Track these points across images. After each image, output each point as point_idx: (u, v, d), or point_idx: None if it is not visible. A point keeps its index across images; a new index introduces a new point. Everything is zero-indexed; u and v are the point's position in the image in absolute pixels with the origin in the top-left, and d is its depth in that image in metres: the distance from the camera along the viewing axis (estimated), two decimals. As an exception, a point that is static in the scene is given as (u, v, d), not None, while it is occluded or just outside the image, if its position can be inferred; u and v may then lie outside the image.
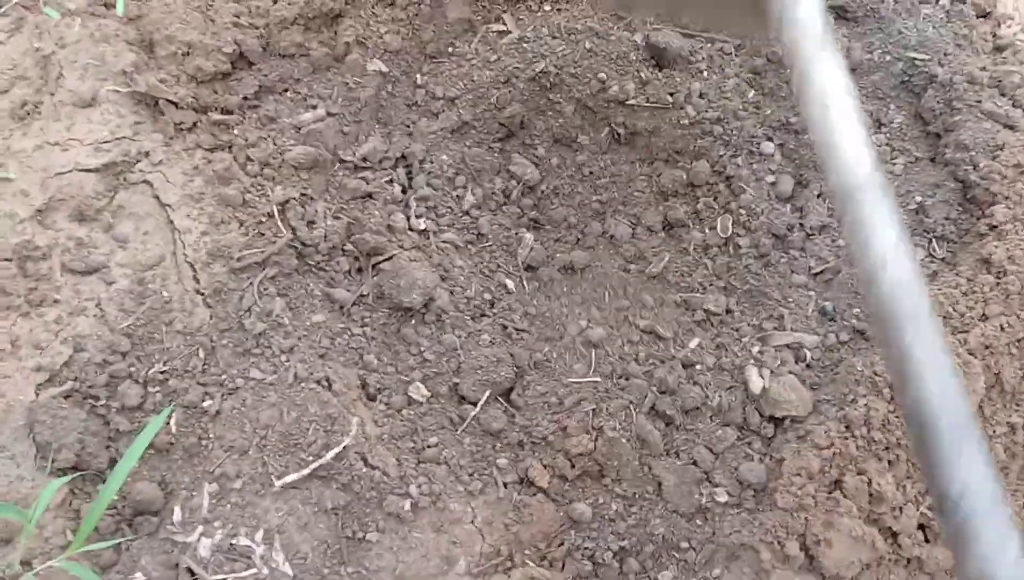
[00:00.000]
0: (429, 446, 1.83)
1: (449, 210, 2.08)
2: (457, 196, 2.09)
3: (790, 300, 2.09)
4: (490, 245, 2.07)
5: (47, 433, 1.68)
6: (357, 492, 1.75)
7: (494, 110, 2.15)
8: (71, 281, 1.81)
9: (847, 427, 1.87)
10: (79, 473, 1.69)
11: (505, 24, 2.18)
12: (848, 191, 1.24)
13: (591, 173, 2.20)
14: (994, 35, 2.39)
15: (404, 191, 2.07)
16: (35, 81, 1.94)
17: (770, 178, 2.20)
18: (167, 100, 1.94)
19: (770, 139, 2.23)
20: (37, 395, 1.72)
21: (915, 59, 2.23)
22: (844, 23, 2.31)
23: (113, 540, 1.65)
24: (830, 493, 1.84)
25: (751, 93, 2.27)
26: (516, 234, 2.10)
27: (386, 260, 1.94)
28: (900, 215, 1.22)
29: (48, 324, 1.77)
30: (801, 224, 2.16)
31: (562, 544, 1.81)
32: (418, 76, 2.14)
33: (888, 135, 2.22)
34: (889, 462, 1.86)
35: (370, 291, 1.94)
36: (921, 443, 1.13)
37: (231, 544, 1.71)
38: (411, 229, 2.01)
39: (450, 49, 2.16)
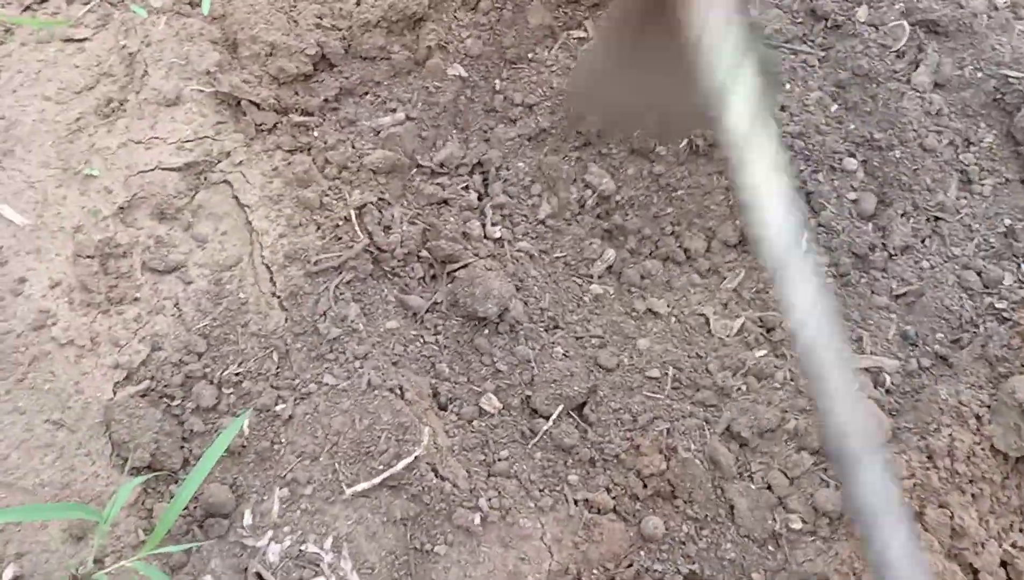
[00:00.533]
0: (500, 459, 1.82)
1: (524, 218, 2.06)
2: (532, 205, 2.07)
3: (870, 322, 2.04)
4: (564, 256, 2.05)
5: (123, 432, 1.69)
6: (427, 503, 1.73)
7: (572, 118, 2.12)
8: (151, 280, 1.82)
9: (929, 458, 1.81)
10: (153, 473, 1.70)
11: (586, 31, 2.15)
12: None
13: (668, 185, 2.16)
14: None
15: (480, 198, 2.05)
16: (120, 79, 1.95)
17: (852, 195, 2.15)
18: (249, 101, 1.94)
19: (853, 155, 2.17)
20: (115, 393, 1.74)
21: (1008, 76, 2.16)
22: (935, 37, 2.24)
23: (185, 544, 1.66)
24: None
25: (834, 107, 2.22)
26: (590, 244, 2.07)
27: (461, 268, 1.93)
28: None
29: (127, 322, 1.78)
30: (884, 244, 2.10)
31: (631, 565, 1.78)
32: (497, 82, 2.12)
33: (977, 155, 2.15)
34: (973, 495, 1.80)
35: (444, 299, 1.93)
36: None
37: (300, 551, 1.70)
38: (487, 237, 1.99)
39: (530, 55, 2.13)
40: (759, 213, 1.27)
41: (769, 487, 1.83)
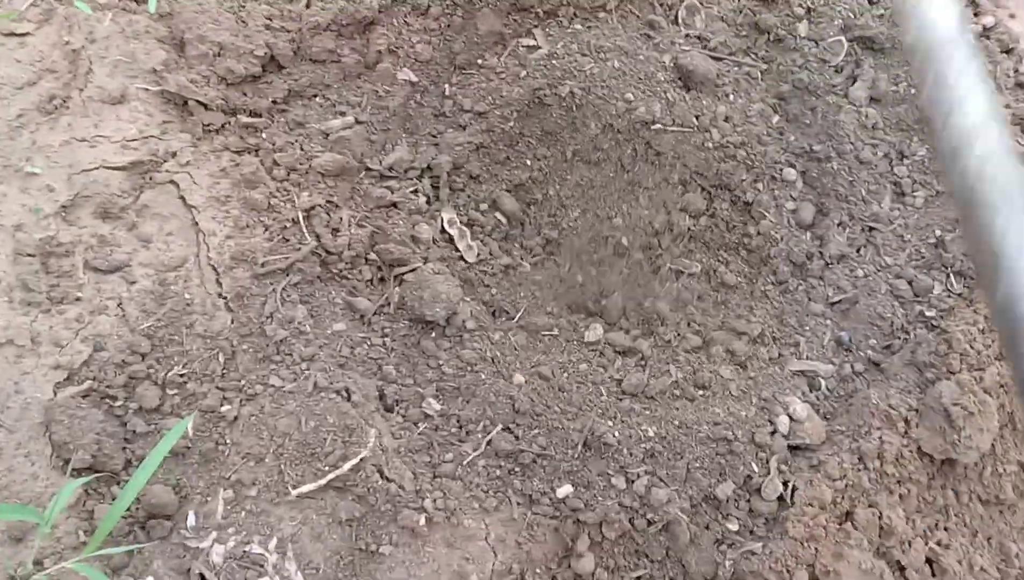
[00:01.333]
0: (445, 461, 1.83)
1: (473, 224, 2.08)
2: (481, 210, 2.09)
3: (806, 328, 2.10)
4: (511, 263, 2.07)
5: (64, 433, 1.67)
6: (372, 504, 1.75)
7: (520, 125, 2.15)
8: (93, 279, 1.80)
9: (860, 459, 1.88)
10: (95, 474, 1.68)
11: (535, 39, 2.18)
12: (931, 48, 1.11)
13: (613, 192, 2.20)
14: (1016, 71, 2.40)
15: (429, 202, 2.06)
16: (63, 75, 1.93)
17: (791, 205, 2.21)
18: (196, 100, 1.93)
19: (793, 166, 2.23)
20: (55, 393, 1.72)
21: (940, 94, 2.24)
22: (871, 53, 2.31)
23: (127, 546, 1.65)
24: (841, 524, 1.85)
25: (775, 119, 2.28)
26: (534, 253, 2.10)
27: (409, 271, 1.94)
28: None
29: (69, 322, 1.76)
30: (821, 252, 2.16)
31: (570, 566, 1.81)
32: (447, 87, 2.14)
33: (910, 167, 2.22)
34: (900, 496, 1.87)
35: (392, 302, 1.94)
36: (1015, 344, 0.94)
37: (244, 551, 1.70)
38: (435, 242, 2.01)
39: (480, 61, 2.16)
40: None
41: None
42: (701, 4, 2.33)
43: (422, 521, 1.75)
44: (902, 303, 2.08)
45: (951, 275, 2.10)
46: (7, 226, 1.78)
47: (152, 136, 1.91)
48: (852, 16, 2.35)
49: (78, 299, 1.78)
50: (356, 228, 1.95)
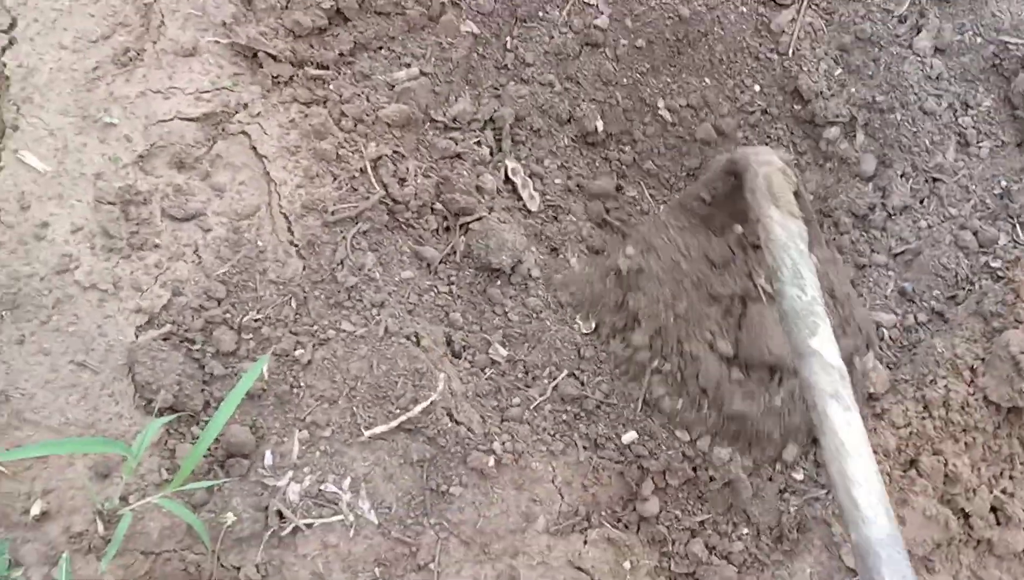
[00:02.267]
0: (512, 405, 1.87)
1: (533, 175, 2.10)
2: (542, 162, 2.11)
3: (869, 279, 2.10)
4: (569, 215, 2.10)
5: (146, 374, 1.72)
6: (442, 446, 1.79)
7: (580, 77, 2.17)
8: (170, 226, 1.85)
9: (925, 407, 1.88)
10: (175, 414, 1.73)
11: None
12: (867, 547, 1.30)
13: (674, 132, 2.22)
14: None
15: (492, 153, 2.09)
16: (136, 28, 1.97)
17: (852, 156, 2.20)
18: (266, 53, 1.96)
19: (855, 118, 2.22)
20: (137, 336, 1.77)
21: (1007, 42, 2.21)
22: (936, 2, 2.28)
23: (209, 481, 1.70)
24: (905, 471, 1.86)
25: (838, 71, 2.26)
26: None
27: (475, 220, 1.97)
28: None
29: (148, 267, 1.81)
30: (883, 204, 2.16)
31: (635, 509, 1.85)
32: (508, 39, 2.15)
33: (975, 118, 2.20)
34: (966, 444, 1.87)
35: (458, 250, 1.97)
36: None
37: (319, 490, 1.75)
38: (498, 192, 2.04)
39: (541, 14, 2.17)
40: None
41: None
42: (762, -44, 2.32)
43: (491, 463, 1.79)
44: (967, 254, 2.07)
45: (1017, 226, 2.09)
46: (88, 175, 1.83)
47: (224, 88, 1.94)
48: (916, -35, 2.32)
49: (156, 246, 1.83)
50: (422, 178, 1.98)
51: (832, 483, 1.37)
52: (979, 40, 2.25)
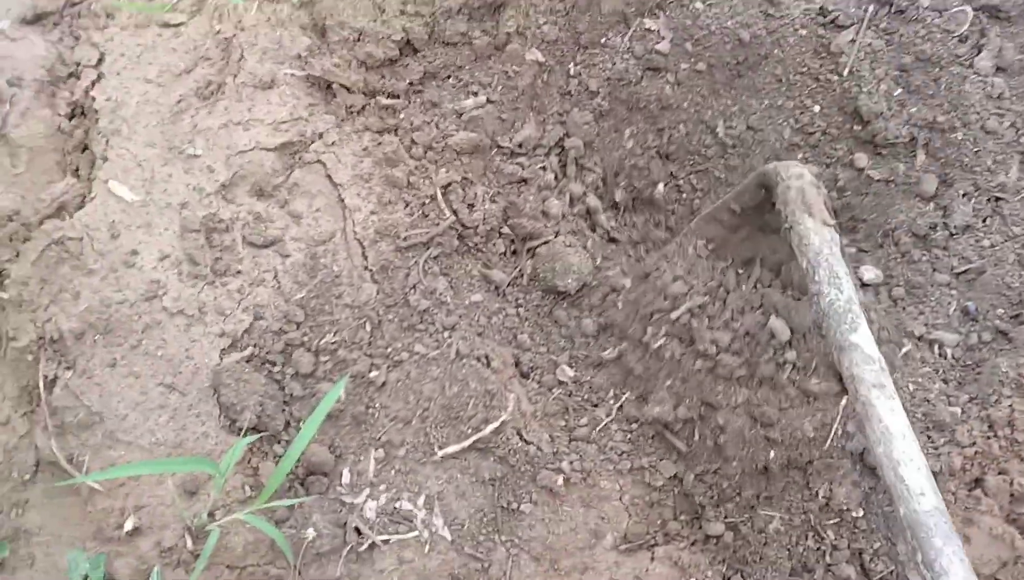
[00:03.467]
0: (580, 425, 1.92)
1: (600, 202, 2.16)
2: (607, 187, 2.16)
3: (931, 298, 2.12)
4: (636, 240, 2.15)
5: (231, 395, 1.81)
6: (513, 465, 1.85)
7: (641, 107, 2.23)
8: (251, 253, 1.93)
9: (990, 427, 1.90)
10: (258, 434, 1.81)
11: (657, 17, 2.23)
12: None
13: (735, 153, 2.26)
14: None
15: (557, 178, 2.14)
16: (217, 62, 2.06)
17: (913, 176, 2.22)
18: (339, 84, 2.04)
19: (915, 138, 2.24)
20: (221, 359, 1.85)
21: (1070, 62, 2.22)
22: (997, 21, 2.29)
23: (291, 499, 1.78)
24: (971, 491, 1.88)
25: (898, 91, 2.28)
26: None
27: (542, 244, 2.03)
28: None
29: (231, 293, 1.89)
30: (945, 223, 2.17)
31: (700, 527, 1.89)
32: (571, 66, 2.21)
33: (1039, 136, 2.21)
34: (1032, 464, 1.89)
35: (525, 273, 2.03)
36: None
37: (395, 507, 1.82)
38: (564, 216, 2.09)
39: (603, 40, 2.22)
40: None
41: (835, 454, 1.92)
42: (822, -23, 2.35)
43: (560, 481, 1.84)
44: (1031, 273, 2.08)
45: (1082, 242, 2.09)
46: (174, 204, 1.92)
47: (300, 118, 2.02)
48: (977, -15, 2.33)
49: (238, 272, 1.91)
50: (490, 203, 2.04)
51: (880, 464, 1.43)
52: (1043, 60, 2.25)
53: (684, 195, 2.33)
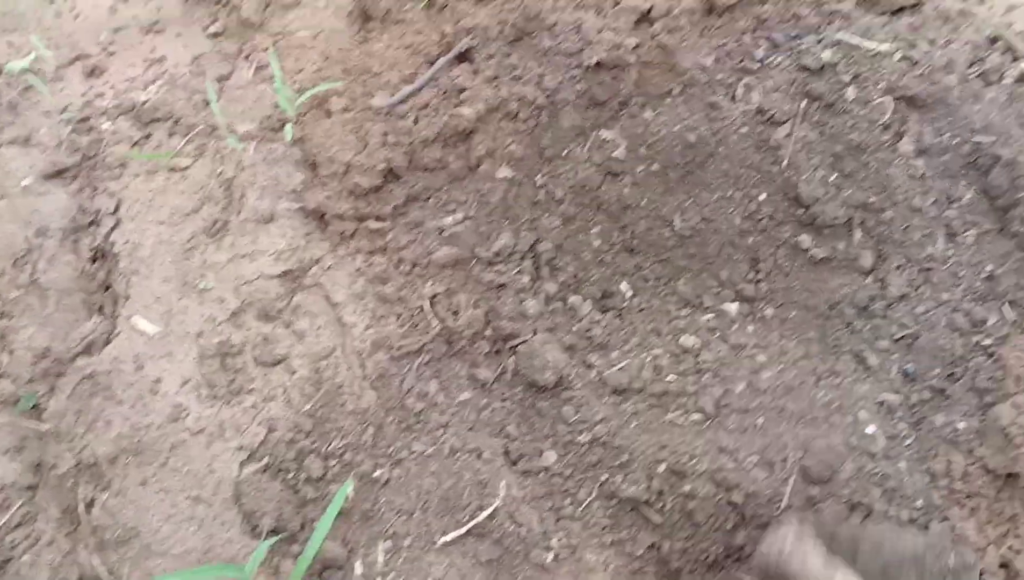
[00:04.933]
0: (565, 505, 2.14)
1: (570, 297, 2.40)
2: (577, 285, 2.41)
3: (874, 364, 2.35)
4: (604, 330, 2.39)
5: (251, 503, 2.03)
6: (507, 547, 2.06)
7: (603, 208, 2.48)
8: (262, 372, 2.16)
9: (932, 479, 2.12)
10: (278, 536, 2.03)
11: (611, 130, 2.50)
12: None
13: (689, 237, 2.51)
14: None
15: (533, 280, 2.39)
16: (221, 201, 2.32)
17: (852, 253, 2.47)
18: (332, 214, 2.30)
19: (851, 218, 2.49)
20: (241, 471, 2.08)
21: (980, 142, 2.48)
22: (915, 109, 2.56)
23: (311, 593, 1.99)
24: (919, 539, 2.09)
25: (833, 177, 2.54)
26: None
27: (521, 343, 2.26)
28: None
29: (246, 410, 2.12)
30: (883, 294, 2.41)
31: (684, 587, 2.10)
32: (538, 178, 2.47)
33: (959, 210, 2.46)
34: (971, 509, 2.10)
35: (508, 370, 2.27)
36: None
37: (404, 593, 2.03)
38: (541, 314, 2.33)
39: (565, 153, 2.48)
40: None
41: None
42: (757, 80, 2.62)
43: (550, 558, 2.05)
44: (961, 334, 2.32)
45: (1004, 305, 2.33)
46: (191, 334, 2.16)
47: (298, 247, 2.27)
48: (895, 78, 2.60)
49: (252, 390, 2.14)
50: (473, 310, 2.28)
51: None
52: (956, 141, 2.51)
53: (649, 283, 2.57)
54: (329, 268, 2.27)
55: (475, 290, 2.33)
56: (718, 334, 2.45)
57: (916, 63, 2.62)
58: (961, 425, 2.16)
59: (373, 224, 2.32)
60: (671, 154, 2.53)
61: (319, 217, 2.32)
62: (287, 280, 2.24)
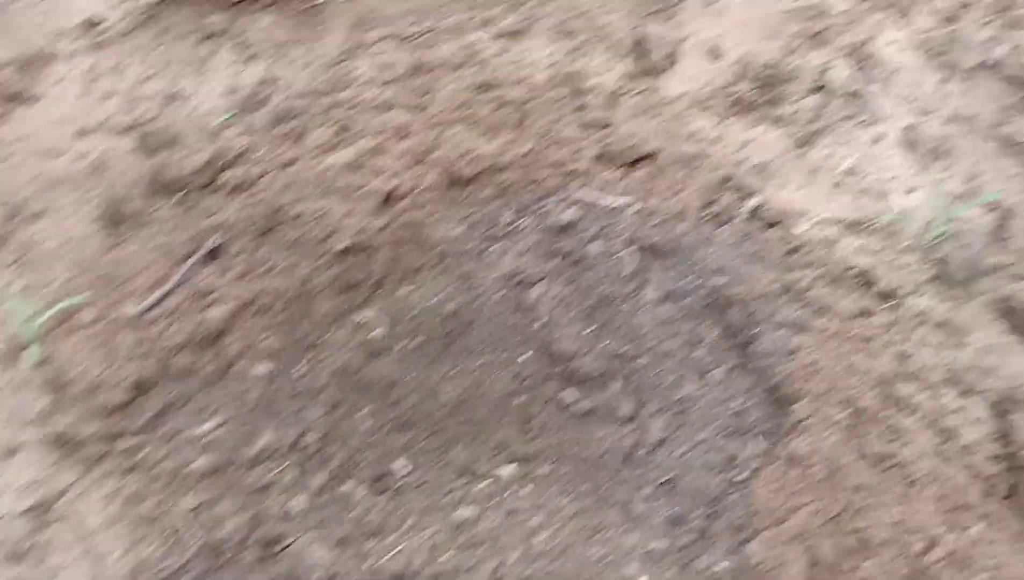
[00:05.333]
0: None
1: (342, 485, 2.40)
2: (349, 471, 2.42)
3: (640, 512, 2.43)
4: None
5: None
6: None
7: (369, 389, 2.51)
8: (12, 620, 2.06)
9: (703, 622, 2.20)
10: None
11: (369, 310, 2.55)
12: None
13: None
14: (785, 240, 2.83)
15: (301, 474, 2.37)
16: (-42, 441, 2.22)
17: (613, 403, 2.58)
18: (80, 437, 2.24)
19: (609, 368, 2.61)
20: None
21: (715, 284, 2.66)
22: (656, 258, 2.72)
23: None
24: None
25: (588, 330, 2.66)
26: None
27: (292, 544, 2.24)
28: None
29: (-3, 664, 2.01)
30: (643, 440, 2.51)
31: None
32: (298, 368, 2.48)
33: (706, 349, 2.61)
34: (741, 650, 2.19)
35: (280, 576, 2.23)
36: None
37: None
38: (311, 508, 2.32)
39: (323, 339, 2.51)
40: None
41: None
42: (508, 244, 2.74)
43: None
44: (717, 472, 2.43)
45: (754, 438, 2.47)
46: (-71, 590, 2.04)
47: (47, 477, 2.20)
48: (634, 229, 2.77)
49: (-2, 642, 2.03)
50: (237, 516, 2.24)
51: None
52: (694, 284, 2.69)
53: (424, 457, 2.59)
54: (80, 495, 2.20)
55: (238, 495, 2.30)
56: (495, 500, 2.49)
57: (652, 213, 2.81)
58: (722, 565, 2.26)
59: (125, 442, 2.28)
60: (431, 326, 2.60)
61: (67, 441, 2.25)
62: (34, 515, 2.16)
